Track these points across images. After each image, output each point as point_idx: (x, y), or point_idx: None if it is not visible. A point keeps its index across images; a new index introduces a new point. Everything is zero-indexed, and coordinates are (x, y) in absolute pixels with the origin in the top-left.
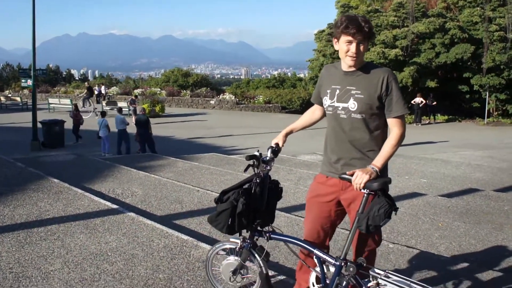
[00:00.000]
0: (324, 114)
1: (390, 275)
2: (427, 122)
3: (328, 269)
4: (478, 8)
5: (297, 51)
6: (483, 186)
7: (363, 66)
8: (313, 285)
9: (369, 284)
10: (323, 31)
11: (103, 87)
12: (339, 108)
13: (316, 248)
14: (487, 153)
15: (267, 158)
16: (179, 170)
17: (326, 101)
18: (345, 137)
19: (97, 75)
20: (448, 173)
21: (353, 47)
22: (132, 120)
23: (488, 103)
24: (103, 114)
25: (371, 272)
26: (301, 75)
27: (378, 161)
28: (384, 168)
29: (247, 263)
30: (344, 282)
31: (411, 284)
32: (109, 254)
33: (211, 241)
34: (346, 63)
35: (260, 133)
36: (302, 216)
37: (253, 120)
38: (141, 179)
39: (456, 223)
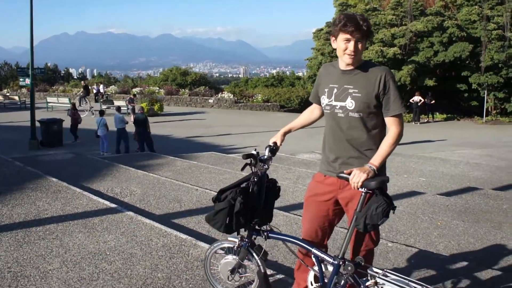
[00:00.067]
0: (322, 113)
1: (388, 274)
2: (425, 120)
3: (326, 268)
4: (476, 7)
5: (296, 49)
6: (481, 185)
7: (361, 65)
8: (312, 284)
9: (367, 283)
10: (322, 29)
11: (101, 86)
12: (337, 107)
13: (314, 247)
14: (485, 151)
15: (265, 156)
16: (177, 169)
17: (324, 100)
18: (342, 136)
19: (95, 74)
20: (447, 171)
21: (351, 45)
22: (130, 119)
23: (487, 102)
24: (102, 113)
25: (369, 271)
26: (300, 74)
27: (375, 160)
28: (382, 167)
29: (245, 262)
30: (342, 281)
31: (409, 283)
32: (108, 253)
33: (210, 240)
34: (344, 61)
35: (258, 131)
36: (300, 215)
37: (251, 119)
38: (140, 178)
39: (455, 222)
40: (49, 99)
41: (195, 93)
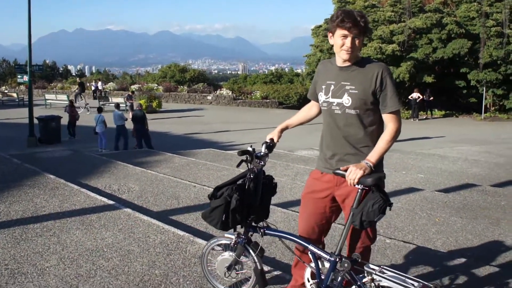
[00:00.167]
0: (320, 111)
1: (385, 271)
2: (424, 117)
3: (323, 265)
4: (475, 3)
5: (294, 46)
6: (480, 181)
7: (358, 61)
8: (308, 281)
9: (364, 280)
10: (320, 26)
11: (99, 83)
12: (334, 104)
13: (310, 244)
14: (484, 148)
15: (261, 153)
16: (175, 165)
17: (321, 96)
18: (339, 132)
19: (94, 71)
20: (445, 168)
21: (348, 41)
22: (129, 115)
23: (485, 98)
24: (100, 110)
25: (365, 268)
26: (299, 71)
27: (372, 157)
28: (379, 164)
29: (242, 259)
30: (339, 278)
31: (406, 279)
32: (105, 250)
33: (208, 237)
34: (341, 57)
35: (257, 128)
36: (298, 212)
37: (250, 115)
38: (138, 174)
39: (453, 218)
40: (47, 96)
41: (194, 90)
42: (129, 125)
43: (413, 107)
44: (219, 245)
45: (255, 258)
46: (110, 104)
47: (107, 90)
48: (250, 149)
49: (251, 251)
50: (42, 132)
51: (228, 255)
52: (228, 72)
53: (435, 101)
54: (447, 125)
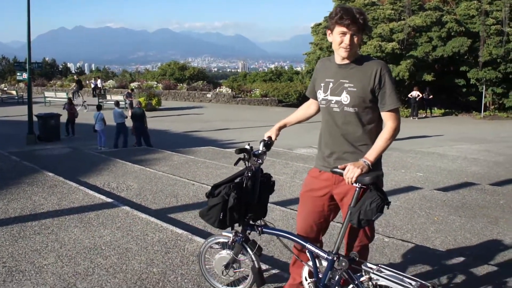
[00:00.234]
0: (319, 109)
1: (383, 270)
2: (423, 115)
3: (320, 263)
4: (475, 2)
5: (294, 44)
6: (479, 180)
7: (357, 59)
8: (306, 279)
9: (362, 279)
10: (320, 24)
11: (99, 81)
12: (332, 102)
13: (308, 243)
14: (483, 147)
15: (259, 151)
16: (174, 163)
17: (320, 94)
18: (338, 130)
19: (93, 69)
20: (444, 167)
21: (346, 38)
22: (128, 113)
23: (485, 97)
24: (99, 107)
25: (363, 267)
26: (298, 69)
27: (370, 155)
28: (377, 162)
29: (240, 257)
30: (337, 277)
31: (404, 278)
32: (103, 248)
33: (206, 235)
34: (340, 54)
35: (256, 126)
36: (297, 210)
37: (249, 113)
38: (137, 172)
39: (452, 217)
40: (46, 93)
41: (193, 88)
42: (129, 122)
43: (413, 105)
44: (217, 243)
45: (252, 256)
46: (108, 102)
47: (106, 87)
48: (247, 147)
49: (248, 249)
50: (41, 129)
51: (226, 254)
52: (228, 70)
53: (434, 99)
54: (446, 123)
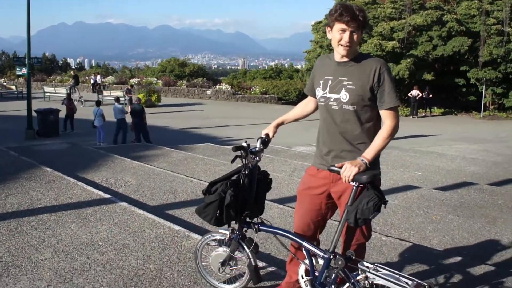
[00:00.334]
0: (317, 107)
1: (379, 269)
2: (423, 115)
3: (317, 262)
4: (476, 1)
5: (294, 42)
6: (477, 180)
7: (356, 57)
8: (302, 277)
9: (358, 278)
10: (320, 22)
11: (98, 77)
12: (331, 99)
13: (305, 241)
14: (482, 146)
15: (256, 149)
16: (173, 160)
17: (319, 92)
18: (336, 128)
19: (93, 64)
20: (443, 166)
21: (346, 35)
22: (128, 109)
23: (485, 97)
24: (98, 103)
25: (360, 266)
26: (298, 66)
27: (368, 154)
28: (375, 161)
29: (236, 255)
30: (333, 275)
31: (400, 277)
32: (100, 244)
33: (203, 232)
34: (339, 52)
35: (256, 123)
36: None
37: (249, 110)
38: (135, 168)
39: (450, 217)
40: (46, 89)
41: (193, 85)
42: (128, 119)
43: (412, 104)
44: (213, 240)
45: (249, 254)
46: (105, 98)
47: (106, 83)
48: (244, 144)
49: (245, 247)
50: (41, 125)
51: (222, 251)
52: (228, 67)
53: (434, 98)
54: (446, 123)
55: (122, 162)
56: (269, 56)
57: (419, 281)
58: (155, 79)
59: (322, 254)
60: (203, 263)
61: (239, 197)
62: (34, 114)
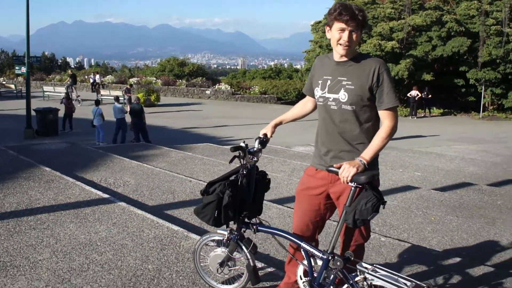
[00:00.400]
0: (315, 107)
1: (378, 270)
2: (422, 115)
3: (315, 263)
4: (475, 2)
5: (294, 42)
6: (476, 180)
7: (355, 57)
8: (301, 278)
9: (356, 278)
10: (320, 22)
11: (97, 76)
12: (330, 99)
13: (303, 241)
14: (481, 147)
15: (254, 149)
16: (172, 160)
17: (318, 92)
18: (335, 129)
19: (93, 63)
20: (442, 166)
21: (345, 35)
22: (127, 109)
23: (484, 97)
24: (97, 103)
25: (358, 266)
26: (298, 66)
27: (366, 154)
28: (374, 161)
29: (235, 255)
30: (332, 276)
31: (399, 278)
32: (99, 244)
33: (202, 232)
34: (338, 52)
35: (255, 123)
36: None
37: (248, 110)
38: (134, 168)
39: (449, 217)
40: (45, 88)
41: (192, 84)
42: (128, 118)
43: (412, 105)
44: (212, 241)
45: (247, 254)
46: (103, 97)
47: (105, 83)
48: (243, 144)
49: (243, 247)
50: (40, 124)
51: (220, 251)
52: (227, 67)
53: (433, 99)
54: (445, 123)
55: (121, 162)
56: (269, 56)
57: (418, 282)
58: (155, 78)
59: (320, 254)
60: (201, 264)
61: (237, 197)
62: (33, 113)
